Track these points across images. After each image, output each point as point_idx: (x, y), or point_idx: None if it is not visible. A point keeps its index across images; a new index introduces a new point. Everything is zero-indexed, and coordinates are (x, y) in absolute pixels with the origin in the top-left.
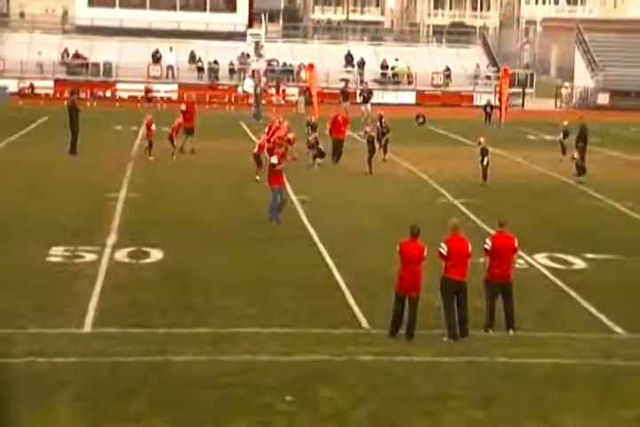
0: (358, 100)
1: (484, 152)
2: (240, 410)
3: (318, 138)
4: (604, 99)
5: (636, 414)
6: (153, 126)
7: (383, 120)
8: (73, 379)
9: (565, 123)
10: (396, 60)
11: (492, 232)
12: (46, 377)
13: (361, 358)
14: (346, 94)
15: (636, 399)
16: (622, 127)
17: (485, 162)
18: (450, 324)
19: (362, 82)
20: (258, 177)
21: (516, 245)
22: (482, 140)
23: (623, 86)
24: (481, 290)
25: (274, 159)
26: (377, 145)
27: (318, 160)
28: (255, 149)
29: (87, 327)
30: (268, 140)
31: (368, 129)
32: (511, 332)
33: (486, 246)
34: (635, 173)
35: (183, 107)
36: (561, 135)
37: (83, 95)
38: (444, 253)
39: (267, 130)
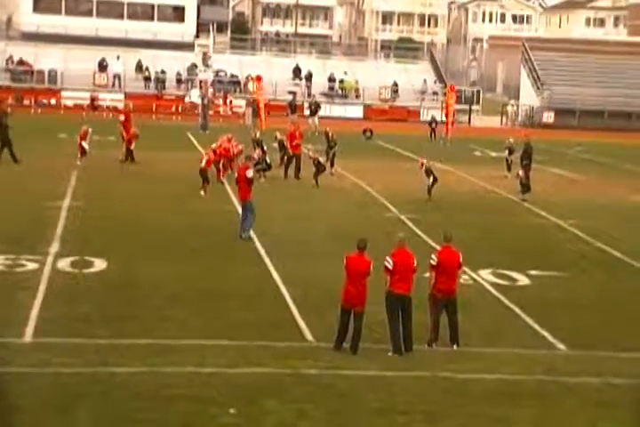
0: (306, 112)
1: (428, 173)
2: (184, 423)
3: (265, 151)
4: (549, 117)
5: None
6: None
7: (330, 134)
8: (12, 390)
9: (511, 140)
10: (345, 73)
11: (438, 247)
12: None
13: (306, 372)
14: (293, 107)
15: (579, 415)
16: (567, 146)
17: (431, 182)
18: (394, 338)
19: (309, 95)
20: (203, 192)
21: (461, 260)
22: (424, 161)
23: (568, 105)
24: (425, 305)
25: (249, 173)
26: (323, 160)
27: (263, 176)
28: (202, 164)
29: (28, 337)
30: (214, 153)
31: (311, 154)
32: (455, 347)
33: (432, 262)
34: (578, 191)
35: (122, 117)
36: (506, 152)
37: (27, 102)
38: (390, 266)
39: (213, 146)
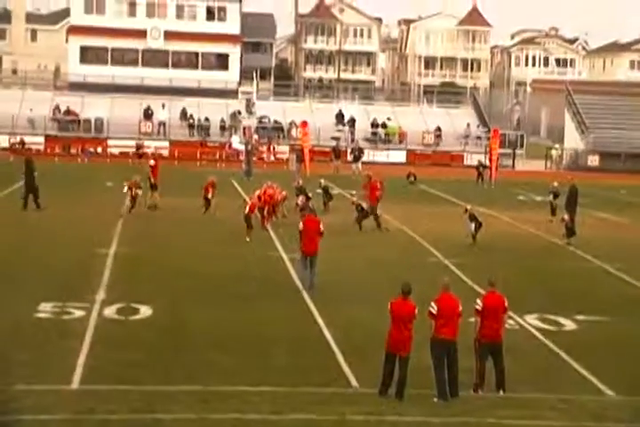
0: (349, 158)
1: (471, 218)
2: None
3: (310, 197)
4: (593, 160)
5: None
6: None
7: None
8: None
9: (555, 184)
10: (389, 119)
11: (483, 292)
12: None
13: (350, 418)
14: (337, 152)
15: None
16: (612, 189)
17: (475, 226)
18: (440, 384)
19: (353, 140)
20: (248, 238)
21: (507, 304)
22: (468, 207)
23: (613, 148)
24: (470, 350)
25: (322, 227)
26: (366, 206)
27: None
28: (246, 210)
29: (75, 384)
30: (259, 199)
31: (354, 199)
32: (501, 392)
33: (477, 306)
34: (623, 234)
35: (152, 162)
36: (551, 196)
37: (74, 151)
38: (434, 312)
39: (257, 192)
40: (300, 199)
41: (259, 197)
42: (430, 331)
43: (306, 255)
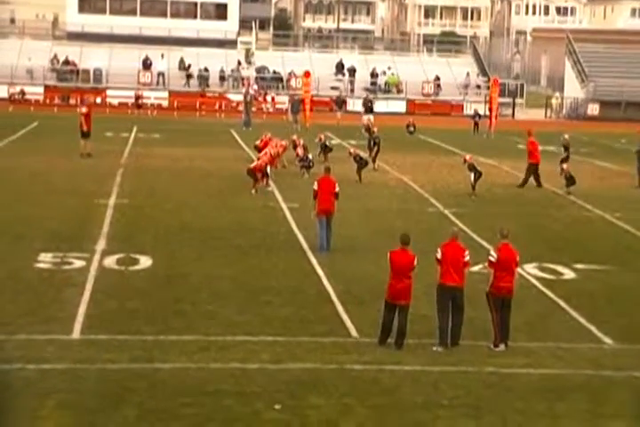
0: (361, 109)
1: (470, 168)
2: (229, 418)
3: (306, 148)
4: (594, 109)
5: (626, 425)
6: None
7: (374, 130)
8: (61, 386)
9: (566, 136)
10: (388, 68)
11: (482, 241)
12: (35, 384)
13: (350, 367)
14: (340, 103)
15: (626, 410)
16: (612, 138)
17: (475, 177)
18: (442, 331)
19: (352, 90)
20: (254, 191)
21: (518, 258)
22: (467, 157)
23: (613, 97)
24: (473, 300)
25: (337, 188)
26: (365, 155)
27: (307, 173)
28: (252, 165)
29: (76, 334)
30: (271, 158)
31: (352, 150)
32: (503, 347)
33: (491, 258)
34: (624, 183)
35: (84, 109)
36: (562, 149)
37: (73, 102)
38: (439, 256)
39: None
40: (299, 151)
41: (271, 157)
42: (434, 279)
43: (321, 216)
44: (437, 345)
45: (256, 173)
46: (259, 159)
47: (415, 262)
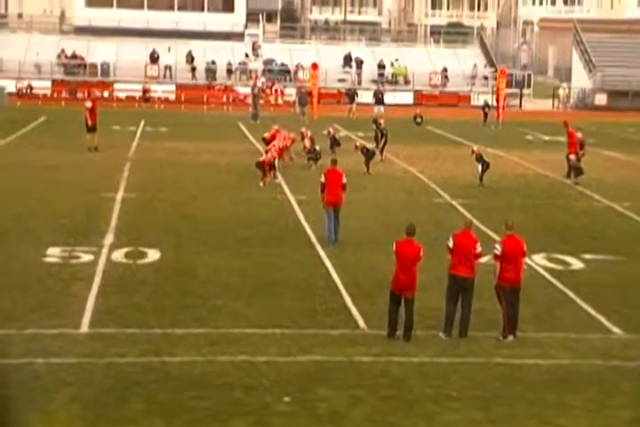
0: (372, 101)
1: (478, 159)
2: (238, 411)
3: (314, 140)
4: (601, 99)
5: (636, 415)
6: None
7: (380, 122)
8: (70, 380)
9: (579, 135)
10: (396, 60)
11: (490, 233)
12: (44, 378)
13: (358, 359)
14: (352, 96)
15: (636, 400)
16: (620, 128)
17: (483, 168)
18: (447, 318)
19: (360, 82)
20: (262, 184)
21: (525, 248)
22: (475, 148)
23: (621, 87)
24: (482, 291)
25: (345, 179)
26: (371, 147)
27: (314, 165)
28: (261, 159)
29: (84, 328)
30: (279, 151)
31: (357, 143)
32: (512, 338)
33: (496, 251)
34: (632, 173)
35: (89, 104)
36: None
37: (80, 95)
38: (450, 246)
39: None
40: (306, 142)
41: (279, 150)
42: (444, 270)
43: (329, 208)
44: (442, 331)
45: (264, 166)
46: (267, 152)
47: (421, 253)
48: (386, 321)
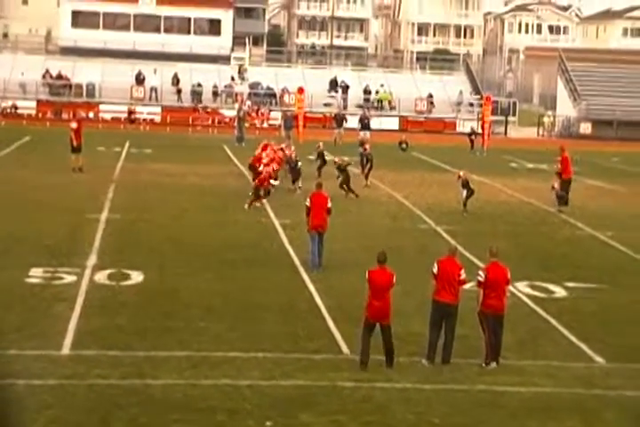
0: (357, 126)
1: (464, 184)
2: None
3: (300, 166)
4: (586, 128)
5: None
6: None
7: (366, 147)
8: (51, 402)
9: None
10: (381, 86)
11: (473, 259)
12: (25, 400)
13: (341, 384)
14: (340, 120)
15: None
16: (604, 157)
17: (467, 194)
18: (430, 345)
19: (345, 107)
20: (246, 206)
21: (509, 276)
22: (461, 173)
23: (605, 116)
24: (466, 318)
25: (329, 203)
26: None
27: (299, 188)
28: (257, 181)
29: (66, 349)
30: (273, 170)
31: (337, 159)
32: (495, 365)
33: (479, 278)
34: (615, 202)
35: (74, 125)
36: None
37: (65, 116)
38: (435, 271)
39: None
40: (287, 151)
41: (273, 170)
42: (427, 295)
43: (313, 232)
44: (425, 358)
45: (261, 185)
46: (267, 165)
47: (394, 280)
48: (359, 350)
